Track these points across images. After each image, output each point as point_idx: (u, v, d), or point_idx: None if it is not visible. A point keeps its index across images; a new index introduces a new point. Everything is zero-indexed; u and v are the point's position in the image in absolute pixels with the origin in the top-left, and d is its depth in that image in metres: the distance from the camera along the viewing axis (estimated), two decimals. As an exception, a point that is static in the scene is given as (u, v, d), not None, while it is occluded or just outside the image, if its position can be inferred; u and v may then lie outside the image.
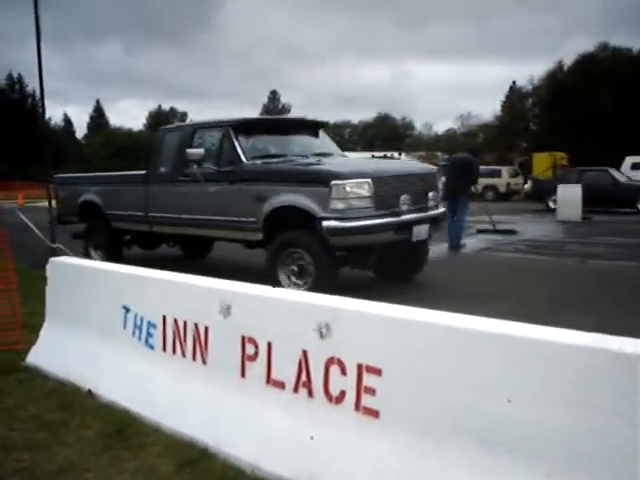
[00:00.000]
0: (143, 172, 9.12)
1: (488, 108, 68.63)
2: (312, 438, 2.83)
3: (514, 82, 57.57)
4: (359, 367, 2.67)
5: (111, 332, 4.06)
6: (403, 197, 7.04)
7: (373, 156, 36.02)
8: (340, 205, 6.62)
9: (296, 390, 2.93)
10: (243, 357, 3.17)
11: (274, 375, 3.03)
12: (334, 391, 2.78)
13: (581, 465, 2.11)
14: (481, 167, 31.07)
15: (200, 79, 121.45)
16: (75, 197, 10.06)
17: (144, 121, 79.18)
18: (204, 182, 7.78)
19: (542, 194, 21.14)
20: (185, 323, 3.52)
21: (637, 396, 1.99)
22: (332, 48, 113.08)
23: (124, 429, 3.41)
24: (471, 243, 11.74)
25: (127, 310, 3.94)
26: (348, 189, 6.63)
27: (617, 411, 2.02)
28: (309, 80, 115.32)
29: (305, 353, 2.88)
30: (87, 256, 9.55)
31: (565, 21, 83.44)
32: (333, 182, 6.62)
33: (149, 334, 3.77)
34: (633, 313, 5.99)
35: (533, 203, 22.38)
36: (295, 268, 7.00)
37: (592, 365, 2.08)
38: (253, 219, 7.30)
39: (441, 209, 7.97)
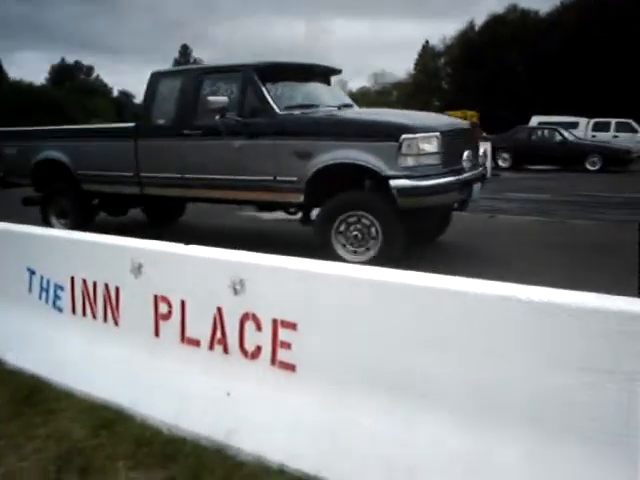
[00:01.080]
0: (131, 124, 7.89)
1: (402, 66, 69.42)
2: (229, 394, 2.82)
3: (427, 41, 58.32)
4: (274, 322, 2.67)
5: (16, 296, 3.88)
6: (466, 153, 6.40)
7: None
8: (411, 162, 5.85)
9: (212, 347, 2.91)
10: (156, 316, 3.10)
11: (189, 333, 2.99)
12: (250, 347, 2.78)
13: (486, 409, 2.20)
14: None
15: (106, 31, 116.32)
16: (28, 155, 8.64)
17: (46, 75, 75.45)
18: (227, 135, 6.66)
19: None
20: (95, 284, 3.40)
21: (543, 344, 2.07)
22: (246, 2, 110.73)
23: (34, 395, 3.29)
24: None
25: (32, 272, 3.77)
26: (420, 144, 5.84)
27: (525, 358, 2.11)
28: (222, 35, 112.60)
29: (220, 310, 2.85)
30: (48, 225, 8.33)
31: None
32: (404, 136, 5.81)
33: (57, 296, 3.63)
34: (539, 266, 6.27)
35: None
36: (358, 234, 6.14)
37: (501, 314, 2.15)
38: (294, 178, 6.36)
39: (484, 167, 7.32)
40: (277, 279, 2.68)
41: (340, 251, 6.19)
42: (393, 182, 5.83)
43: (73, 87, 64.47)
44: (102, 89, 74.83)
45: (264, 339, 2.71)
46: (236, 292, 2.78)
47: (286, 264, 2.69)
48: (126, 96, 72.81)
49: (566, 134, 21.09)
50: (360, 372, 2.47)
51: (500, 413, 2.17)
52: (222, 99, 6.64)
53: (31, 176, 8.71)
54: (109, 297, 3.33)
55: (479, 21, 53.95)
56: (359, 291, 2.46)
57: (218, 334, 2.88)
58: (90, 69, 74.27)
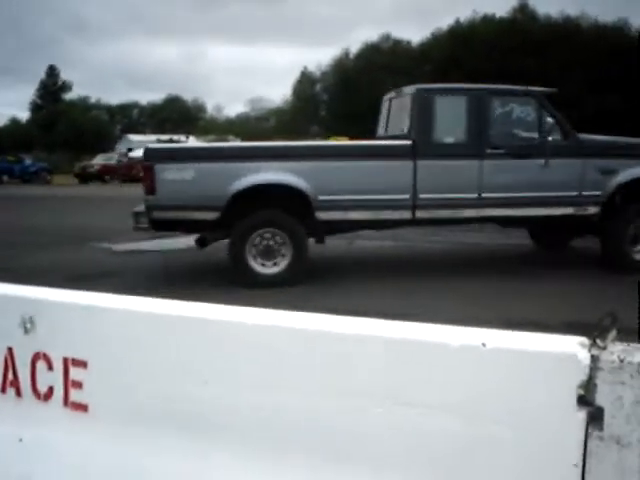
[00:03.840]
0: (406, 142, 7.17)
1: (279, 92, 70.33)
2: (21, 440, 2.66)
3: (305, 67, 59.41)
4: (65, 361, 2.55)
5: None
6: None
7: (158, 140, 35.25)
8: None
9: (4, 390, 2.73)
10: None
11: (-21, 377, 2.81)
12: (42, 388, 2.64)
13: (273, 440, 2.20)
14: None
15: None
16: (220, 180, 6.86)
17: None
18: (530, 156, 7.20)
19: None
20: None
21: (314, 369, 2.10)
22: (121, 24, 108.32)
23: None
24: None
25: None
26: None
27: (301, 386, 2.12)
28: (94, 57, 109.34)
29: (11, 350, 2.69)
30: (247, 273, 6.95)
31: (353, 9, 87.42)
32: None
33: None
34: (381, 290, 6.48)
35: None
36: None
37: (272, 343, 2.16)
38: (597, 193, 7.39)
39: None
40: (65, 315, 2.58)
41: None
42: None
43: None
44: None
45: (56, 379, 2.59)
46: (26, 330, 2.64)
47: (74, 299, 2.59)
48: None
49: None
50: (152, 410, 2.41)
51: (283, 444, 2.18)
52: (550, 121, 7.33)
53: (223, 208, 6.86)
54: None
55: (354, 49, 55.76)
56: (149, 325, 2.41)
57: (10, 376, 2.71)
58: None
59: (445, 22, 56.72)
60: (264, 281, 6.89)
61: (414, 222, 7.36)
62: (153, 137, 36.74)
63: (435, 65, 50.82)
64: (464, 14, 55.20)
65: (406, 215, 7.17)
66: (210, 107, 67.64)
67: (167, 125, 56.37)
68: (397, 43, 56.74)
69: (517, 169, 7.24)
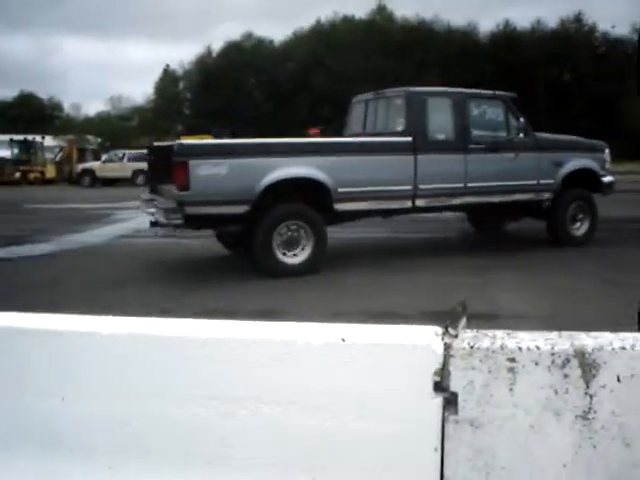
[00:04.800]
0: (406, 139, 7.86)
1: (141, 90, 68.11)
2: None
3: (167, 65, 58.01)
4: None
5: None
6: None
7: (12, 140, 33.14)
8: (607, 166, 9.27)
9: None
10: None
11: None
12: None
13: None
14: (130, 152, 30.96)
15: None
16: (252, 175, 7.07)
17: None
18: (502, 151, 8.37)
19: None
20: None
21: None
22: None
23: None
24: (115, 230, 11.54)
25: None
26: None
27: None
28: None
29: None
30: (275, 264, 7.22)
31: (215, 5, 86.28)
32: (606, 150, 9.37)
33: None
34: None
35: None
36: (579, 215, 9.06)
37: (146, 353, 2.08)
38: (550, 181, 8.72)
39: None
40: None
41: (569, 225, 9.14)
42: (604, 179, 9.17)
43: None
44: None
45: None
46: None
47: None
48: None
49: None
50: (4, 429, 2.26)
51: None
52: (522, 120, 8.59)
53: (254, 202, 7.06)
54: None
55: (216, 47, 55.23)
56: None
57: None
58: None
59: (307, 22, 57.28)
60: (289, 270, 7.29)
61: (414, 210, 8.19)
62: (4, 137, 34.31)
63: (298, 64, 51.52)
64: (325, 14, 56.22)
65: (408, 204, 7.95)
66: (67, 105, 64.10)
67: (20, 124, 52.71)
68: (260, 42, 56.85)
69: (493, 162, 8.37)
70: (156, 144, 8.23)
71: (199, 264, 8.42)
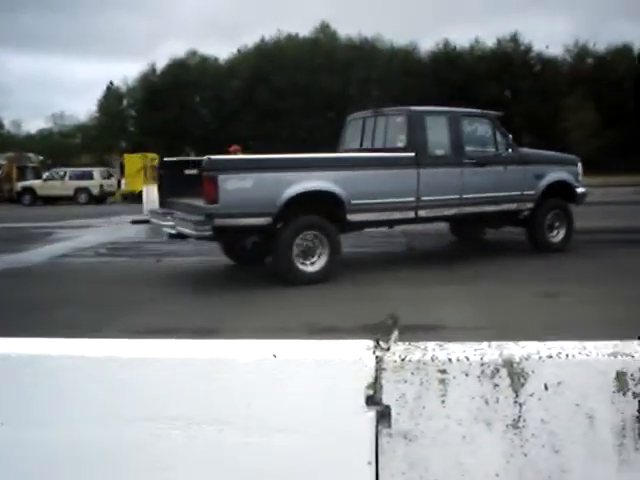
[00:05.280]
0: (409, 154, 8.45)
1: (84, 107, 66.82)
2: None
3: (111, 82, 57.12)
4: None
5: None
6: None
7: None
8: (580, 178, 10.16)
9: None
10: None
11: None
12: None
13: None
14: (72, 170, 30.40)
15: None
16: (274, 188, 7.48)
17: None
18: (492, 165, 9.09)
19: None
20: None
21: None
22: None
23: None
24: (55, 249, 11.23)
25: None
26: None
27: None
28: None
29: None
30: (294, 272, 7.63)
31: (160, 24, 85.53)
32: (579, 163, 10.25)
33: None
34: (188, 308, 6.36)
35: (132, 205, 22.40)
36: (556, 223, 9.86)
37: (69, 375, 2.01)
38: (532, 192, 9.41)
39: None
40: None
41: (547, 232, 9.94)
42: (578, 190, 10.03)
43: None
44: None
45: None
46: None
47: None
48: None
49: None
50: None
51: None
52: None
53: (276, 214, 7.52)
54: None
55: (161, 64, 54.76)
56: None
57: None
58: None
59: (251, 39, 57.35)
60: (306, 278, 7.74)
61: (416, 220, 8.86)
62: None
63: (243, 81, 51.53)
64: (269, 32, 56.48)
65: (411, 215, 8.59)
66: (7, 122, 62.25)
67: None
68: (204, 59, 56.65)
69: (484, 175, 9.08)
70: (167, 159, 8.91)
71: (139, 282, 8.25)
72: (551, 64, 52.99)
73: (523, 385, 1.79)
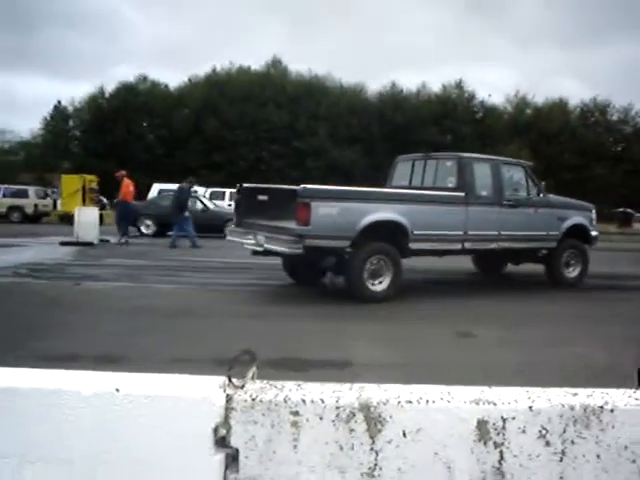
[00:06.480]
0: (459, 193, 9.57)
1: (27, 125, 65.00)
2: None
3: (59, 101, 55.88)
4: None
5: None
6: None
7: None
8: (594, 223, 11.45)
9: None
10: None
11: None
12: None
13: None
14: (7, 187, 29.43)
15: None
16: (355, 216, 8.57)
17: None
18: (525, 207, 10.30)
19: (135, 218, 19.80)
20: None
21: None
22: None
23: None
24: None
25: None
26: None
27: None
28: None
29: None
30: (365, 290, 8.71)
31: (111, 47, 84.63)
32: (594, 210, 11.58)
33: None
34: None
35: (67, 226, 21.55)
36: (572, 261, 11.08)
37: None
38: (556, 233, 10.62)
39: None
40: None
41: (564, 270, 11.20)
42: (593, 233, 11.32)
43: None
44: None
45: None
46: None
47: None
48: None
49: (207, 202, 21.70)
50: None
51: None
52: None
53: (354, 238, 8.57)
54: None
55: (109, 87, 54.05)
56: None
57: None
58: None
59: (202, 69, 57.17)
60: (374, 296, 8.80)
61: (462, 252, 10.03)
62: None
63: (192, 109, 51.31)
64: (221, 63, 56.59)
65: (458, 246, 9.68)
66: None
67: None
68: (154, 85, 56.20)
69: (519, 215, 10.21)
70: (245, 185, 9.92)
71: (52, 305, 7.88)
72: (493, 112, 54.81)
73: (380, 431, 1.70)
